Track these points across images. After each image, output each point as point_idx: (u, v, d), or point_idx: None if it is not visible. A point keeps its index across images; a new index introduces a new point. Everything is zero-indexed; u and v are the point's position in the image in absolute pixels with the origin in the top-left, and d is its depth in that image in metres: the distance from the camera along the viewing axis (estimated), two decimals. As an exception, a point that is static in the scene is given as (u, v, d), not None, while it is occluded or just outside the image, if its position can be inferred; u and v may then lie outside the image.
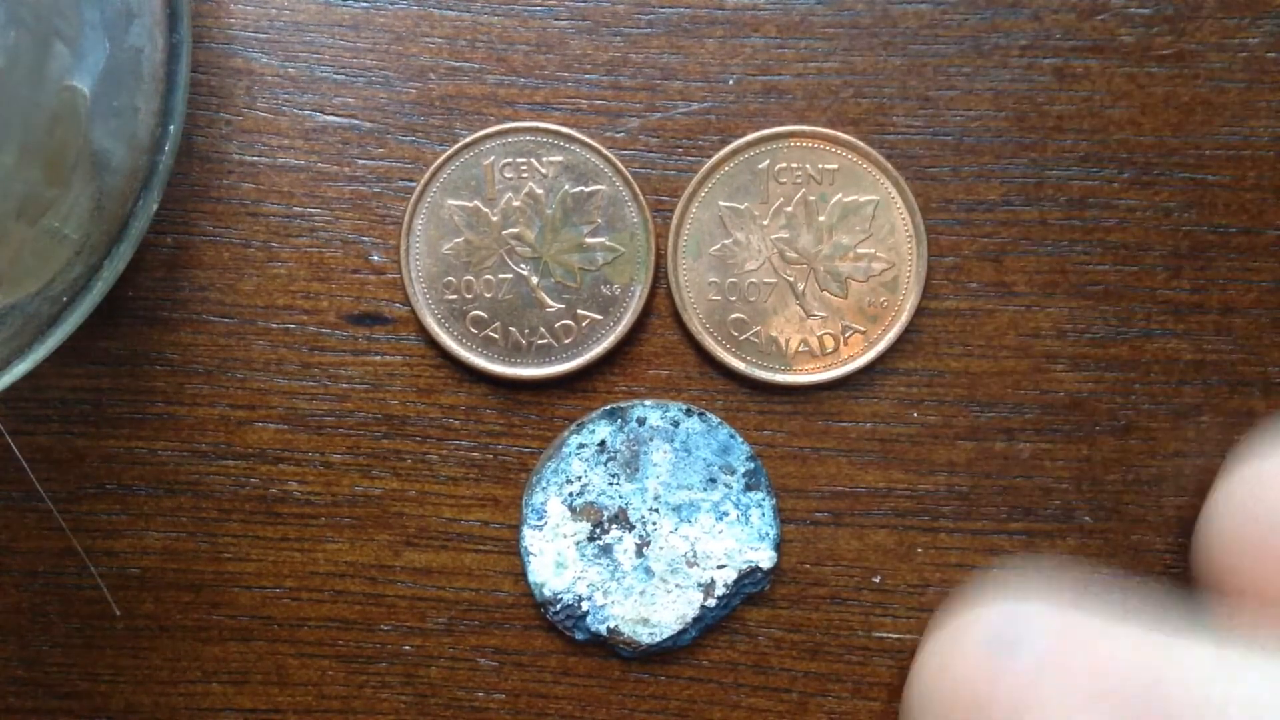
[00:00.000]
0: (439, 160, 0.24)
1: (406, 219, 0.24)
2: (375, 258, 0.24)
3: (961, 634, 0.16)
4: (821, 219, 0.24)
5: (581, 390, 0.24)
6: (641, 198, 0.24)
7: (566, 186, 0.24)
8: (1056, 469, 0.24)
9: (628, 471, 0.24)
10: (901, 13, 0.24)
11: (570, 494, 0.24)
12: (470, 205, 0.24)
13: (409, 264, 0.24)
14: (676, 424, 0.24)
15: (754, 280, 0.24)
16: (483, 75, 0.24)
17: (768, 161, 0.24)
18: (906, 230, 0.24)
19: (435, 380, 0.24)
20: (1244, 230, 0.24)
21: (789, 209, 0.24)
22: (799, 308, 0.24)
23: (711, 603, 0.24)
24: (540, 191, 0.24)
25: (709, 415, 0.24)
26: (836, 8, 0.24)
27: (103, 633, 0.25)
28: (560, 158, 0.24)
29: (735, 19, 0.24)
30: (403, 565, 0.24)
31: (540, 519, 0.24)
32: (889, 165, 0.24)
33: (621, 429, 0.24)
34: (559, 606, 0.24)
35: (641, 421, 0.24)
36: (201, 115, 0.24)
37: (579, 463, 0.24)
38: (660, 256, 0.24)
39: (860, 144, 0.24)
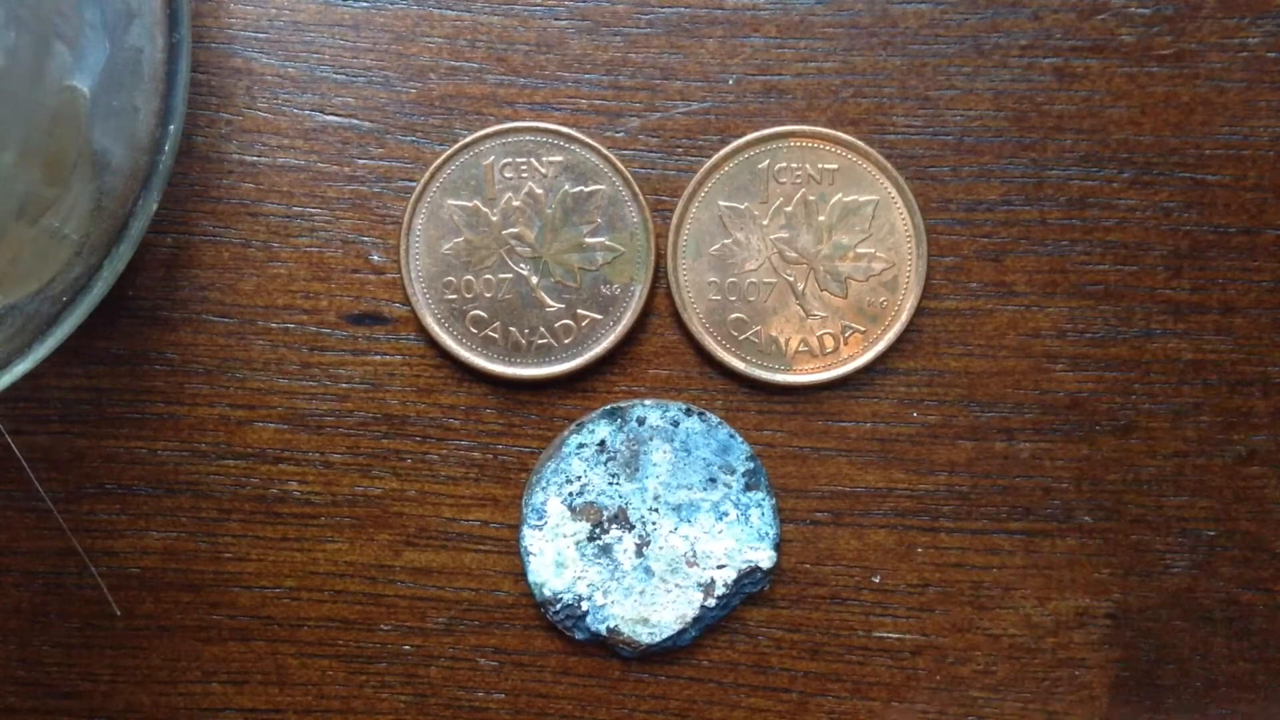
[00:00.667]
0: (439, 160, 0.24)
1: (406, 219, 0.24)
2: (375, 258, 0.24)
3: None
4: (821, 219, 0.24)
5: (581, 390, 0.24)
6: (641, 198, 0.24)
7: (566, 186, 0.24)
8: (1056, 469, 0.24)
9: (628, 471, 0.24)
10: (901, 13, 0.24)
11: (570, 494, 0.24)
12: (470, 205, 0.24)
13: (409, 264, 0.24)
14: (676, 424, 0.24)
15: (754, 280, 0.24)
16: (483, 75, 0.24)
17: (768, 161, 0.24)
18: (906, 230, 0.24)
19: (435, 380, 0.24)
20: (1244, 230, 0.24)
21: (789, 209, 0.24)
22: (799, 308, 0.24)
23: (711, 602, 0.24)
24: (540, 191, 0.24)
25: (709, 415, 0.24)
26: (836, 8, 0.24)
27: (103, 633, 0.25)
28: (560, 158, 0.24)
29: (735, 19, 0.24)
30: (403, 565, 0.24)
31: (540, 519, 0.24)
32: (889, 165, 0.24)
33: (621, 429, 0.24)
34: (559, 606, 0.24)
35: (641, 421, 0.24)
36: (201, 115, 0.24)
37: (579, 462, 0.24)
38: (660, 256, 0.24)
39: (860, 144, 0.24)
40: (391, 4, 0.24)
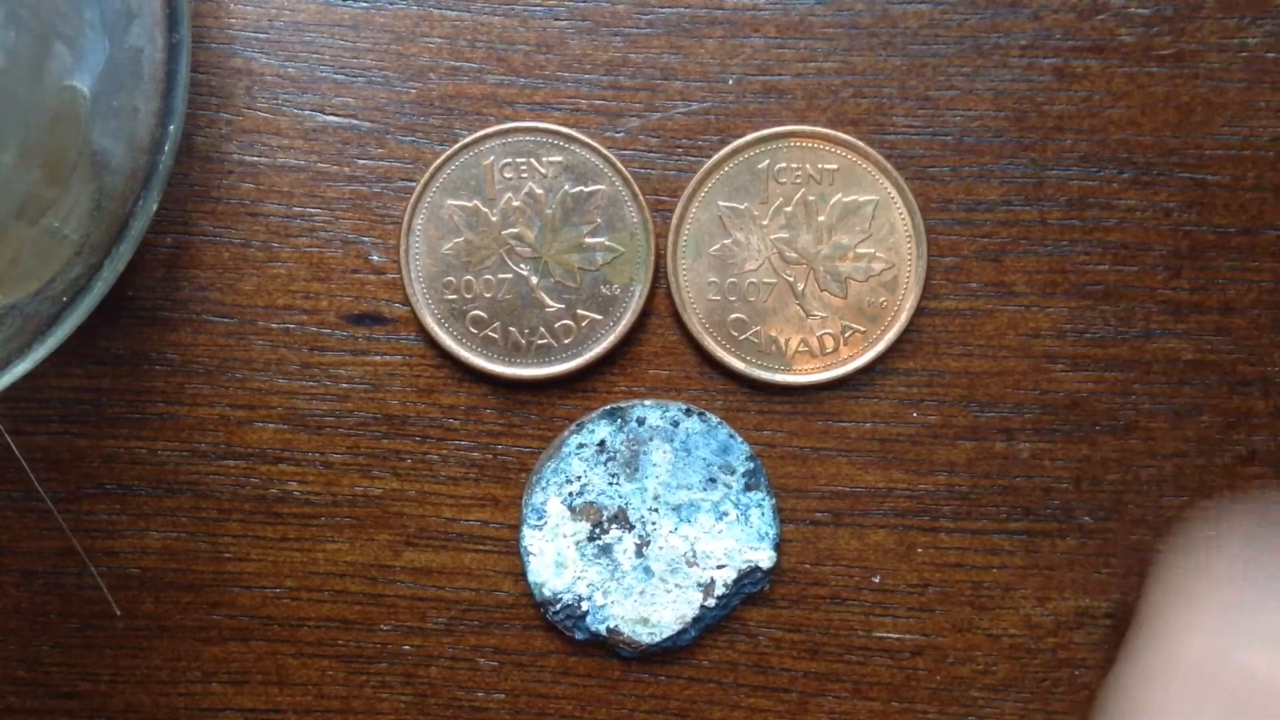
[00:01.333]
0: (439, 160, 0.24)
1: (406, 219, 0.24)
2: (375, 258, 0.24)
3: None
4: (821, 219, 0.24)
5: (581, 390, 0.24)
6: (641, 198, 0.24)
7: (566, 186, 0.24)
8: (1056, 469, 0.24)
9: (628, 471, 0.24)
10: (901, 13, 0.24)
11: (570, 494, 0.24)
12: (470, 205, 0.24)
13: (409, 264, 0.24)
14: (676, 424, 0.24)
15: (754, 280, 0.24)
16: (483, 75, 0.24)
17: (767, 161, 0.24)
18: (906, 230, 0.24)
19: (435, 380, 0.24)
20: (1244, 230, 0.24)
21: (789, 209, 0.24)
22: (799, 308, 0.24)
23: (711, 603, 0.24)
24: (540, 191, 0.24)
25: (709, 415, 0.24)
26: (836, 8, 0.24)
27: (103, 633, 0.25)
28: (560, 158, 0.24)
29: (735, 19, 0.24)
30: (403, 565, 0.24)
31: (540, 519, 0.24)
32: (889, 165, 0.24)
33: (621, 429, 0.24)
34: (559, 606, 0.24)
35: (641, 421, 0.24)
36: (201, 115, 0.24)
37: (579, 463, 0.24)
38: (660, 256, 0.24)
39: (860, 144, 0.24)
40: (391, 4, 0.24)
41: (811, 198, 0.24)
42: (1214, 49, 0.24)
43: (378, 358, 0.24)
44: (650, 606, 0.24)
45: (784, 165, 0.24)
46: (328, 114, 0.24)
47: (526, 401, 0.24)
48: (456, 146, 0.24)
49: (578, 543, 0.24)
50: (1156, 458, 0.24)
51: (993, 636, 0.24)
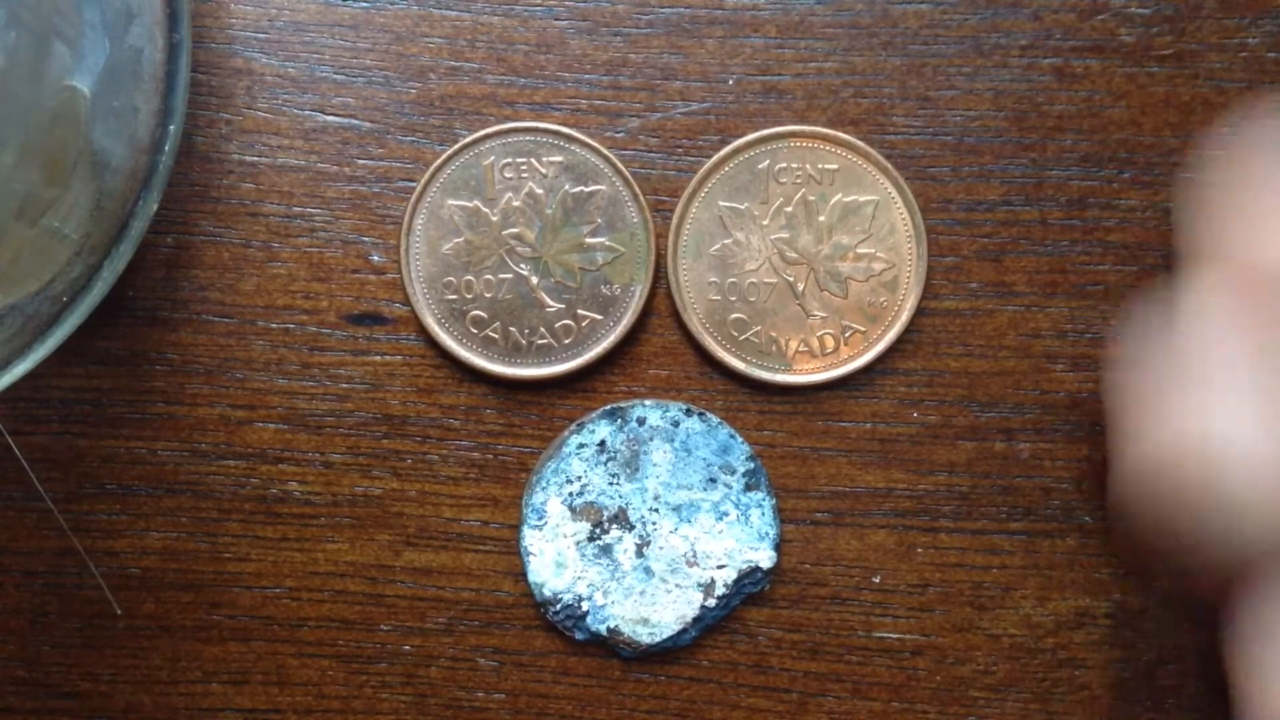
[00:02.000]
0: (439, 160, 0.24)
1: (406, 219, 0.24)
2: (375, 258, 0.24)
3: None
4: (821, 219, 0.24)
5: (581, 390, 0.24)
6: (641, 198, 0.24)
7: (566, 186, 0.24)
8: (1056, 469, 0.24)
9: (628, 471, 0.24)
10: (901, 13, 0.24)
11: (570, 494, 0.24)
12: (470, 205, 0.24)
13: (409, 264, 0.24)
14: (676, 424, 0.24)
15: (754, 280, 0.24)
16: (483, 75, 0.24)
17: (768, 161, 0.24)
18: (906, 230, 0.24)
19: (435, 380, 0.24)
20: (1244, 230, 0.24)
21: (789, 209, 0.24)
22: (799, 308, 0.24)
23: (711, 603, 0.24)
24: (540, 191, 0.24)
25: (709, 415, 0.24)
26: (836, 8, 0.24)
27: (103, 633, 0.25)
28: (560, 158, 0.24)
29: (735, 19, 0.24)
30: (403, 565, 0.24)
31: (540, 519, 0.24)
32: (889, 165, 0.24)
33: (621, 429, 0.24)
34: (559, 606, 0.24)
35: (641, 421, 0.24)
36: (201, 115, 0.24)
37: (579, 463, 0.24)
38: (660, 256, 0.24)
39: (860, 144, 0.24)
40: (391, 4, 0.24)
41: (812, 198, 0.24)
42: (1214, 49, 0.24)
43: (378, 358, 0.24)
44: (650, 606, 0.24)
45: (784, 165, 0.24)
46: (328, 114, 0.24)
47: (526, 401, 0.24)
48: (456, 146, 0.24)
49: (578, 543, 0.24)
50: (1156, 458, 0.24)
51: (993, 636, 0.24)
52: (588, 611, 0.24)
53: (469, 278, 0.24)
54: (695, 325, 0.24)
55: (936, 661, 0.24)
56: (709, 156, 0.24)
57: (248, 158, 0.24)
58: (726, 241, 0.24)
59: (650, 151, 0.24)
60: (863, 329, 0.24)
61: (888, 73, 0.24)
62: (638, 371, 0.24)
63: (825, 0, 0.24)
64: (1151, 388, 0.18)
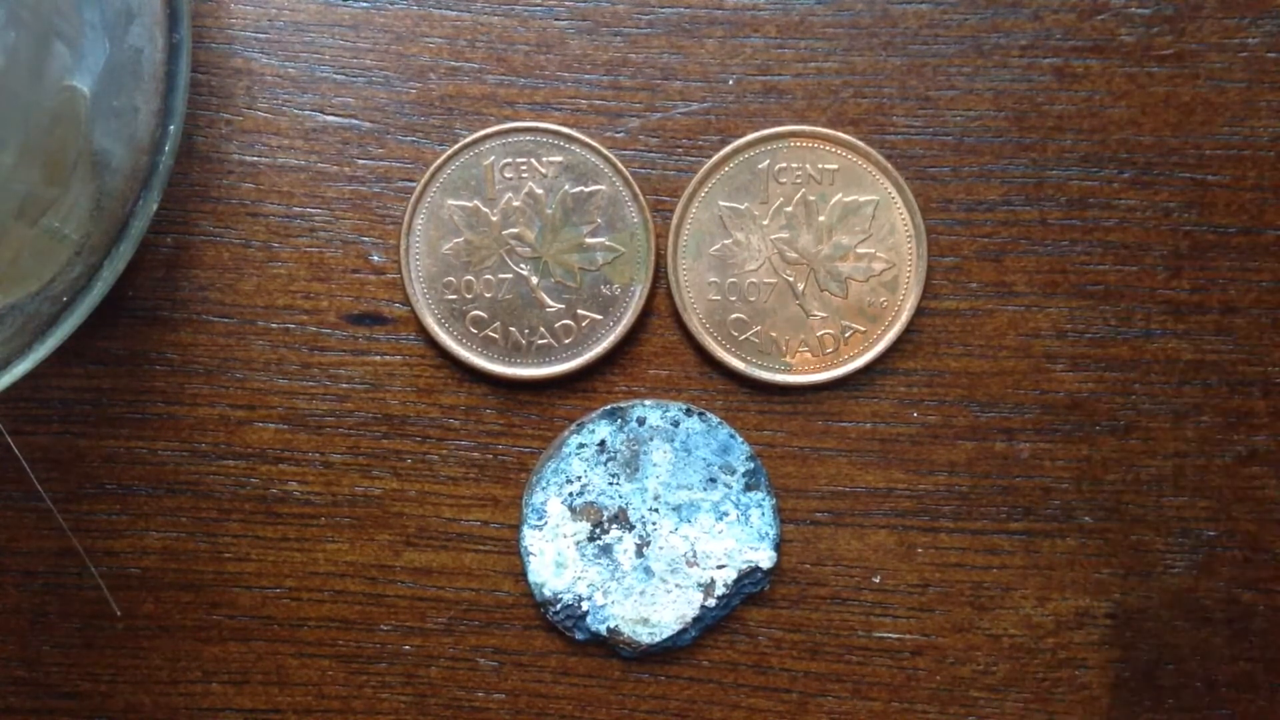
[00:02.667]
0: (439, 160, 0.24)
1: (406, 219, 0.24)
2: (375, 258, 0.24)
3: None
4: (821, 219, 0.24)
5: (581, 390, 0.24)
6: (641, 198, 0.24)
7: (566, 186, 0.24)
8: (1056, 469, 0.24)
9: (628, 471, 0.24)
10: (901, 13, 0.24)
11: (570, 494, 0.24)
12: (470, 205, 0.24)
13: (409, 264, 0.24)
14: (676, 424, 0.24)
15: (754, 280, 0.24)
16: (483, 75, 0.24)
17: (768, 161, 0.24)
18: (906, 230, 0.24)
19: (435, 380, 0.24)
20: (1244, 230, 0.24)
21: (789, 209, 0.24)
22: (799, 308, 0.24)
23: (711, 603, 0.24)
24: (540, 191, 0.24)
25: (709, 415, 0.24)
26: (836, 8, 0.24)
27: (103, 633, 0.25)
28: (560, 158, 0.24)
29: (735, 19, 0.24)
30: (403, 565, 0.24)
31: (540, 519, 0.24)
32: (889, 165, 0.24)
33: (621, 429, 0.24)
34: (559, 606, 0.24)
35: (641, 421, 0.24)
36: (201, 115, 0.24)
37: (579, 463, 0.24)
38: (660, 256, 0.24)
39: (860, 144, 0.24)
40: (391, 4, 0.24)
41: (812, 198, 0.24)
42: (1214, 49, 0.24)
43: (378, 358, 0.24)
44: (650, 606, 0.24)
45: (784, 165, 0.24)
46: (328, 114, 0.24)
47: (526, 401, 0.24)
48: (456, 146, 0.24)
49: (578, 543, 0.24)
50: (1156, 458, 0.24)
51: (993, 636, 0.24)
52: (588, 611, 0.24)
53: (469, 278, 0.24)
54: (695, 325, 0.24)
55: (936, 661, 0.24)
56: (709, 156, 0.24)
57: (248, 158, 0.24)
58: (726, 241, 0.24)
59: (650, 151, 0.24)
60: (863, 329, 0.24)
61: (888, 73, 0.24)
62: (638, 371, 0.24)
63: (825, 0, 0.24)
64: None
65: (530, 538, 0.24)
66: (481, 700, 0.25)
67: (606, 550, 0.24)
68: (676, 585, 0.24)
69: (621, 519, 0.24)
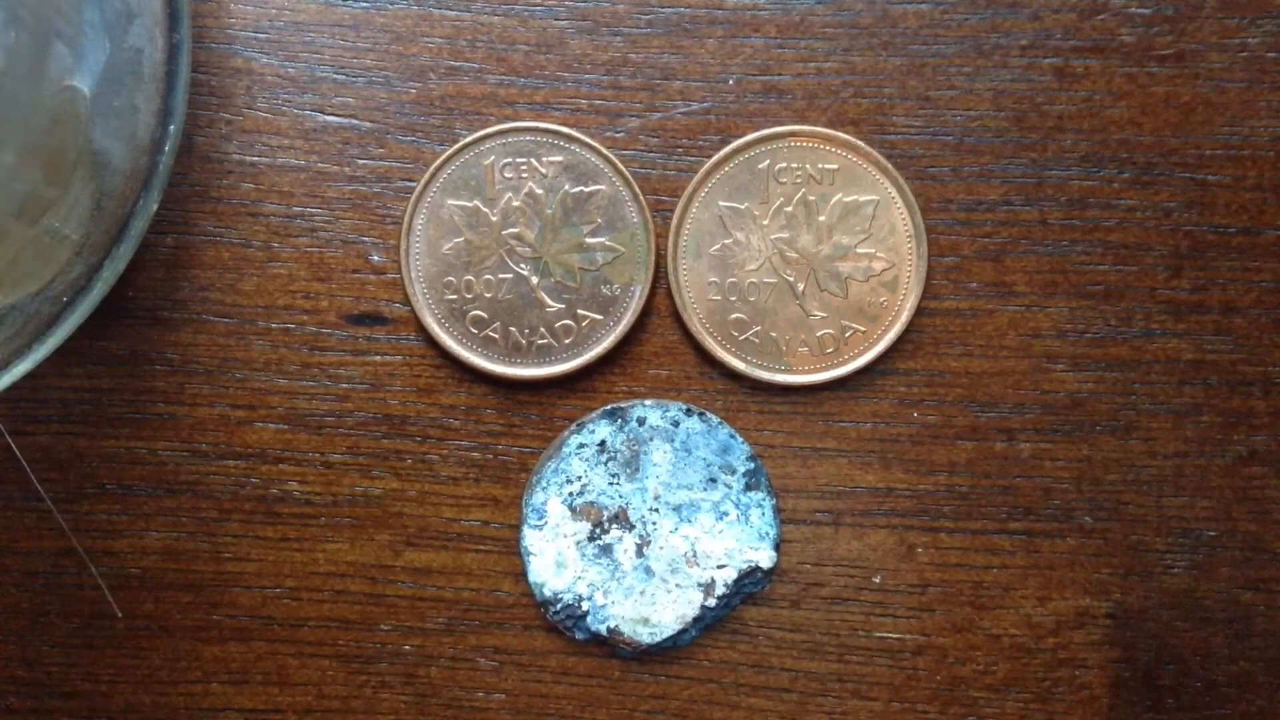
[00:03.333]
0: (439, 160, 0.24)
1: (406, 219, 0.24)
2: (375, 258, 0.24)
3: None
4: (821, 219, 0.24)
5: (581, 390, 0.24)
6: (641, 198, 0.24)
7: (566, 186, 0.24)
8: (1056, 469, 0.24)
9: (628, 471, 0.24)
10: (901, 13, 0.24)
11: (570, 494, 0.24)
12: (470, 205, 0.24)
13: (409, 264, 0.24)
14: (676, 424, 0.24)
15: (754, 280, 0.24)
16: (483, 75, 0.24)
17: (768, 161, 0.24)
18: (906, 230, 0.24)
19: (435, 380, 0.24)
20: (1244, 230, 0.24)
21: (789, 209, 0.24)
22: (799, 308, 0.24)
23: (711, 602, 0.24)
24: (540, 191, 0.24)
25: (709, 415, 0.24)
26: (836, 8, 0.24)
27: (103, 633, 0.25)
28: (560, 158, 0.24)
29: (735, 19, 0.24)
30: (403, 565, 0.24)
31: (540, 519, 0.24)
32: (889, 165, 0.24)
33: (621, 429, 0.24)
34: (559, 606, 0.24)
35: (641, 421, 0.24)
36: (201, 115, 0.24)
37: (579, 463, 0.24)
38: (660, 256, 0.24)
39: (860, 144, 0.24)
40: (391, 4, 0.24)
41: (812, 198, 0.24)
42: (1214, 49, 0.24)
43: (378, 358, 0.24)
44: (650, 606, 0.24)
45: (784, 165, 0.24)
46: (328, 114, 0.24)
47: (526, 401, 0.24)
48: (456, 146, 0.24)
49: (578, 543, 0.24)
50: (1156, 458, 0.24)
51: (993, 636, 0.24)
52: (588, 611, 0.24)
53: (469, 278, 0.24)
54: (695, 325, 0.24)
55: (936, 661, 0.24)
56: (709, 156, 0.24)
57: (248, 158, 0.24)
58: (726, 241, 0.24)
59: (650, 151, 0.24)
60: (863, 329, 0.24)
61: (888, 73, 0.24)
62: (638, 371, 0.24)
63: (825, 0, 0.24)
64: None
65: (530, 538, 0.24)
66: (481, 700, 0.25)
67: (607, 550, 0.24)
68: (676, 585, 0.24)
69: (622, 519, 0.24)
